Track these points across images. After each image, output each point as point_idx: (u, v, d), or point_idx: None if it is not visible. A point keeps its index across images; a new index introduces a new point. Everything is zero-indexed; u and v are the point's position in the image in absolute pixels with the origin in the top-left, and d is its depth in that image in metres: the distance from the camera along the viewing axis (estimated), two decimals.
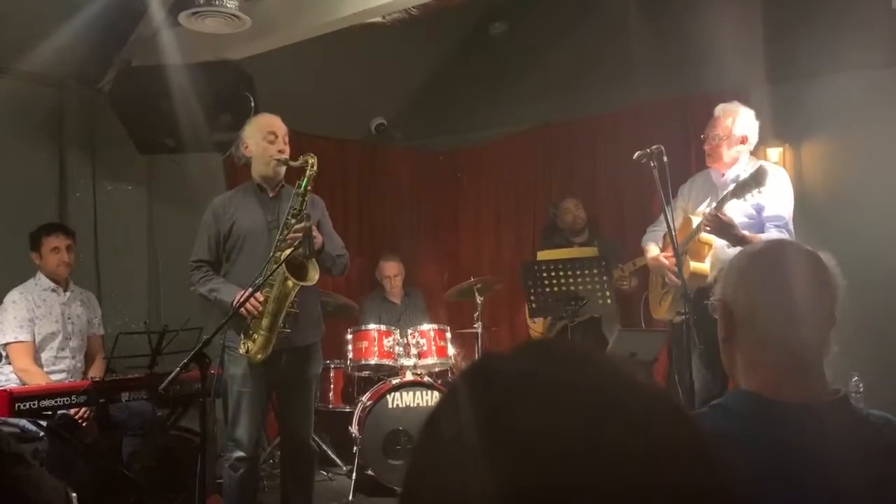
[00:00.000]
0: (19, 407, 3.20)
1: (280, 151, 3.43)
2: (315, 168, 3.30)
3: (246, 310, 3.18)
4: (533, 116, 6.05)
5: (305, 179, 3.29)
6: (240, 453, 3.35)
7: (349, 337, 4.90)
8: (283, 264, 3.12)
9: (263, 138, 3.44)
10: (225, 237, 3.45)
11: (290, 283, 3.19)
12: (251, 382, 3.35)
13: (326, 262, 3.42)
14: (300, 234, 3.18)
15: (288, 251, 3.14)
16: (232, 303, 3.25)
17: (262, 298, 3.23)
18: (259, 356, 3.28)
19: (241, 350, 3.30)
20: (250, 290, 3.14)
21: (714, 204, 3.50)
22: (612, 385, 0.57)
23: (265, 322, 3.25)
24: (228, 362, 3.39)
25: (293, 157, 3.41)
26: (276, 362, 3.34)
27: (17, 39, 4.11)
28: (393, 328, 4.92)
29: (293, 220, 3.27)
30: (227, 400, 3.42)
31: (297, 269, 3.22)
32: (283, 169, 3.44)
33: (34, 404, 3.25)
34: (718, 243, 3.54)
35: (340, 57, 5.16)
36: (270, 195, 3.49)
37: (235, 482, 3.36)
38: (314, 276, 3.26)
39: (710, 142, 3.65)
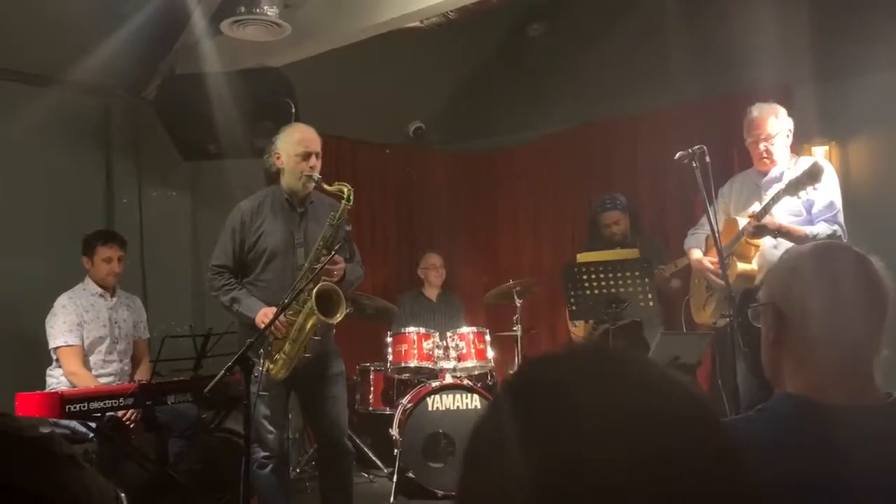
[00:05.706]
0: (69, 409, 3.28)
1: (312, 168, 3.39)
2: (351, 200, 3.24)
3: (271, 331, 3.17)
4: (571, 117, 5.98)
5: (340, 211, 3.26)
6: (265, 452, 3.38)
7: (389, 339, 4.92)
8: (314, 298, 3.12)
9: (296, 153, 3.40)
10: (249, 248, 3.43)
11: (315, 317, 3.19)
12: (270, 385, 3.36)
13: (344, 286, 3.39)
14: (335, 270, 3.21)
15: (318, 286, 3.12)
16: (253, 318, 3.29)
17: (285, 321, 3.23)
18: (280, 375, 3.31)
19: (262, 369, 3.27)
20: (276, 309, 3.13)
21: (758, 204, 3.46)
22: (649, 395, 0.60)
23: (287, 347, 3.27)
24: None
25: (328, 166, 3.38)
26: (293, 369, 3.35)
27: (66, 50, 4.22)
28: (432, 331, 4.92)
29: (324, 251, 3.22)
30: None
31: (325, 303, 3.20)
32: (311, 184, 3.42)
33: (84, 406, 3.33)
34: (765, 244, 3.48)
35: (378, 62, 5.19)
36: (299, 211, 3.47)
37: (264, 479, 3.39)
38: (339, 316, 3.24)
39: (753, 140, 3.63)
